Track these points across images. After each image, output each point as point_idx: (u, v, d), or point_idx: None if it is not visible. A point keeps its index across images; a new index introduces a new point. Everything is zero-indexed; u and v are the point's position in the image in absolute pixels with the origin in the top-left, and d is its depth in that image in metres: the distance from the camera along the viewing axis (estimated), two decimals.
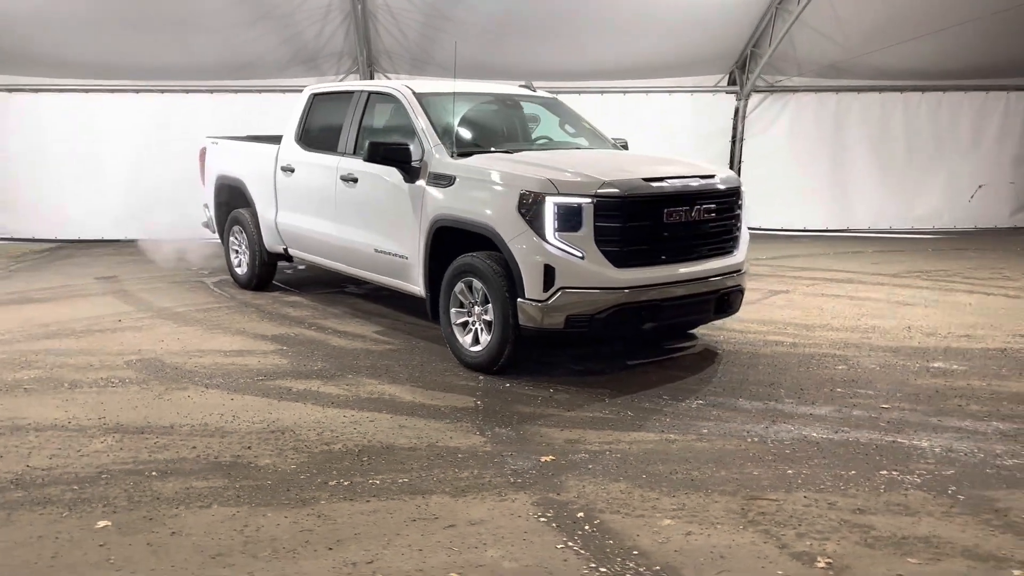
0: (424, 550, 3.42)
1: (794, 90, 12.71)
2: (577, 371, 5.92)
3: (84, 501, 3.85)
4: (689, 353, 6.37)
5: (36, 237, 12.22)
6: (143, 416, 4.97)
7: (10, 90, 11.86)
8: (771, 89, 12.67)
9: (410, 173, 6.20)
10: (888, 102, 12.87)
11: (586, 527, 3.62)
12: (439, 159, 6.06)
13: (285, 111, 8.29)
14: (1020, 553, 3.39)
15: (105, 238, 11.95)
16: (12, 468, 4.19)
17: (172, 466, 4.26)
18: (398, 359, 6.16)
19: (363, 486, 4.03)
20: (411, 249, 6.26)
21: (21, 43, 11.19)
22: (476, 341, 5.83)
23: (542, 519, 3.69)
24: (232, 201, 8.66)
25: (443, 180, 5.95)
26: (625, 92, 12.46)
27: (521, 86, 7.51)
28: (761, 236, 12.54)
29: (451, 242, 5.93)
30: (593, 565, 3.30)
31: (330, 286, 8.64)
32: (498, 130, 6.95)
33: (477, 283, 5.70)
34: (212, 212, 9.06)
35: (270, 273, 8.51)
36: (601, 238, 5.33)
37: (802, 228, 13.01)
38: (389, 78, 12.23)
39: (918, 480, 4.09)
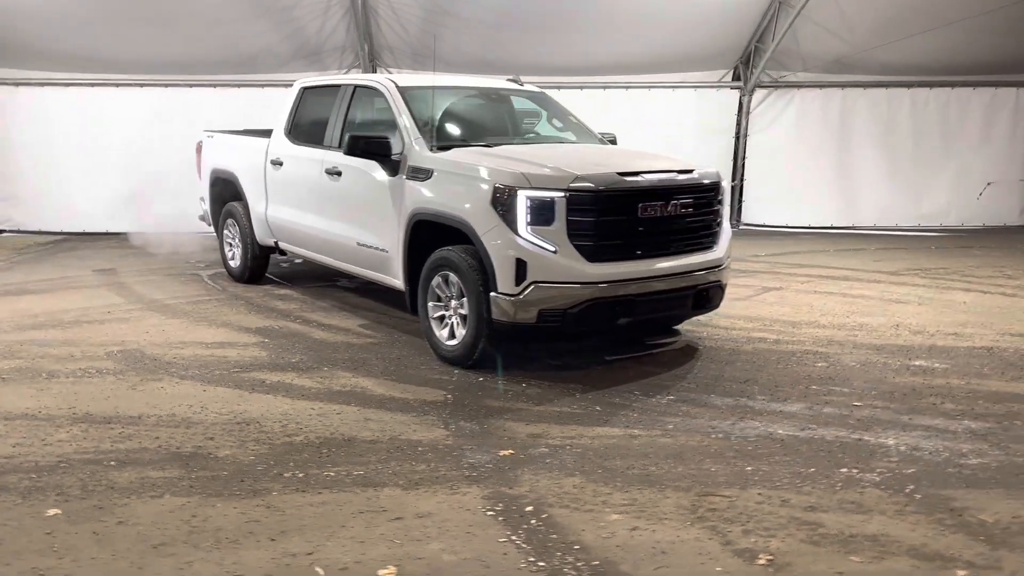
0: (366, 542, 3.42)
1: (799, 85, 12.59)
2: (554, 366, 5.91)
3: (39, 489, 3.88)
4: (670, 349, 6.34)
5: (42, 229, 12.32)
6: (113, 406, 5.01)
7: (16, 84, 11.97)
8: (775, 84, 12.56)
9: (390, 167, 6.20)
10: (895, 98, 12.72)
11: (532, 521, 3.61)
12: (418, 153, 6.06)
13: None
14: (968, 553, 3.34)
15: (110, 231, 12.02)
16: None
17: (132, 456, 4.29)
18: (377, 352, 6.17)
19: (317, 478, 4.03)
20: (391, 243, 6.26)
21: (27, 37, 11.30)
22: (452, 335, 5.83)
23: (490, 513, 3.68)
24: (226, 194, 8.71)
25: (421, 174, 5.95)
26: (628, 88, 12.40)
27: (509, 80, 7.48)
28: (764, 233, 12.49)
29: (429, 236, 5.93)
30: (532, 559, 3.29)
31: (322, 280, 8.66)
32: (482, 124, 6.94)
33: (453, 277, 5.70)
34: (207, 205, 9.11)
35: (262, 266, 8.55)
36: (574, 232, 5.30)
37: (807, 225, 12.88)
38: (391, 72, 12.23)
39: (877, 478, 4.04)
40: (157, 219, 11.17)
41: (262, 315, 7.30)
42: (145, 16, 11.03)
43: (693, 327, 6.87)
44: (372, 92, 6.80)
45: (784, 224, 12.92)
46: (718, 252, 5.96)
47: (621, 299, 5.44)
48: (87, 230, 12.16)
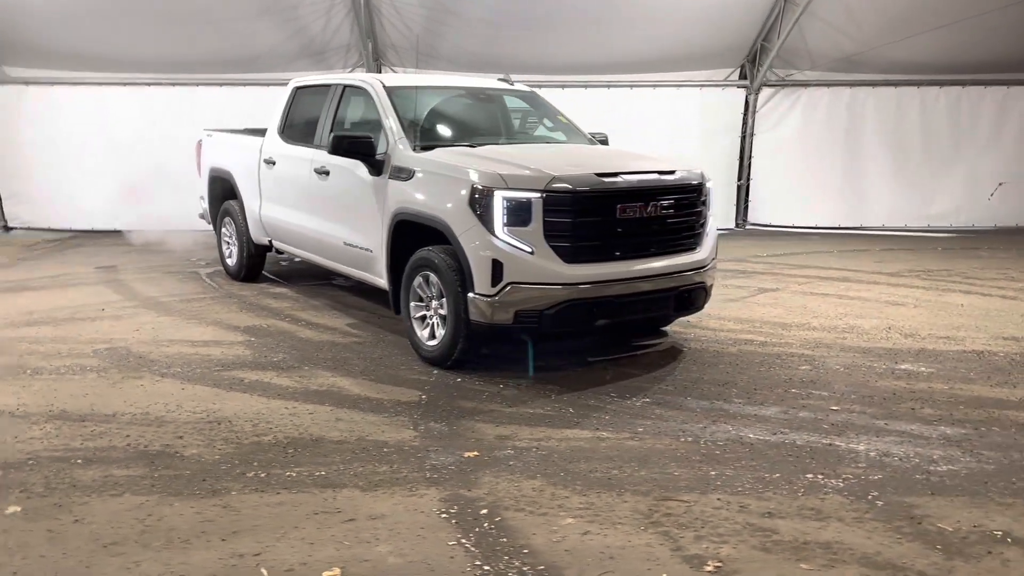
0: (315, 544, 3.43)
1: (806, 84, 12.48)
2: (536, 367, 5.88)
3: (3, 487, 3.92)
4: (654, 351, 6.30)
5: (51, 227, 12.46)
6: (89, 404, 5.05)
7: (26, 83, 12.12)
8: (782, 83, 12.45)
9: (374, 166, 6.21)
10: (904, 96, 12.57)
11: (485, 524, 3.60)
12: (401, 152, 6.06)
13: None
14: (921, 563, 3.29)
15: (117, 229, 12.11)
16: None
17: (99, 454, 4.32)
18: (360, 352, 6.18)
19: (279, 478, 4.05)
20: (375, 242, 6.27)
21: (36, 37, 11.44)
22: (433, 335, 5.83)
23: (444, 515, 3.68)
24: (223, 193, 8.77)
25: (404, 173, 5.95)
26: (632, 86, 12.34)
27: (499, 79, 7.46)
28: (769, 233, 12.41)
29: (411, 236, 5.93)
30: (478, 563, 3.28)
31: (318, 279, 8.69)
32: (469, 124, 6.93)
33: (434, 277, 5.70)
34: (207, 203, 9.17)
35: (258, 264, 8.60)
36: (551, 233, 5.28)
37: (813, 225, 12.76)
38: (396, 72, 12.26)
39: (841, 484, 4.00)
40: (162, 217, 11.26)
41: (253, 313, 7.34)
42: (152, 15, 11.13)
43: (681, 328, 6.82)
44: (360, 92, 6.81)
45: (791, 224, 12.82)
46: (701, 253, 5.91)
47: (599, 300, 5.41)
48: (95, 228, 12.26)
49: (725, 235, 12.02)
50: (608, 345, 6.39)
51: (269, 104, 11.26)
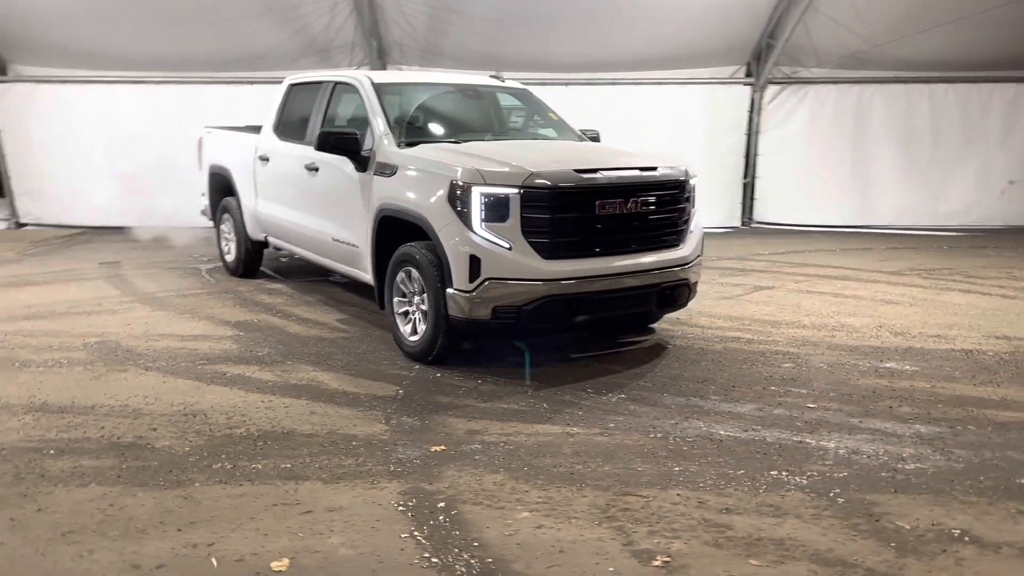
0: (269, 535, 3.46)
1: (812, 81, 12.39)
2: (516, 363, 5.90)
3: None
4: (639, 348, 6.29)
5: (61, 223, 12.61)
6: (71, 396, 5.11)
7: (38, 81, 12.29)
8: (788, 81, 12.38)
9: (360, 163, 6.24)
10: (913, 94, 12.45)
11: (441, 517, 3.61)
12: (386, 149, 6.10)
13: None
14: (872, 560, 3.27)
15: (126, 225, 12.23)
16: None
17: (72, 445, 4.38)
18: (345, 347, 6.22)
19: (244, 470, 4.08)
20: (361, 238, 6.31)
21: (47, 36, 11.60)
22: (415, 331, 5.85)
23: (401, 508, 3.70)
24: (222, 190, 8.84)
25: (387, 169, 5.98)
26: (637, 84, 12.31)
27: (491, 76, 7.47)
28: (775, 231, 12.33)
29: (395, 231, 5.96)
30: (427, 555, 3.30)
31: (315, 275, 8.73)
32: (457, 121, 6.94)
33: (415, 273, 5.73)
34: (207, 200, 9.25)
35: (256, 261, 8.66)
36: (529, 229, 5.29)
37: (820, 224, 12.66)
38: (401, 70, 12.30)
39: (804, 482, 3.98)
40: (168, 214, 11.39)
41: (246, 309, 7.40)
42: (157, 14, 11.25)
43: (670, 325, 6.81)
44: (350, 89, 6.85)
45: (797, 222, 12.73)
46: (685, 250, 5.89)
47: (578, 296, 5.41)
48: (104, 224, 12.39)
49: (729, 233, 12.03)
50: (593, 341, 6.39)
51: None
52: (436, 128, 6.67)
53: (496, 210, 5.27)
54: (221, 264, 9.13)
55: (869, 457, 4.26)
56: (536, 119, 7.22)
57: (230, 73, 12.24)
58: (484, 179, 5.28)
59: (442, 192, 5.41)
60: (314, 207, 6.98)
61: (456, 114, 7.03)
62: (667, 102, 12.32)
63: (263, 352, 6.07)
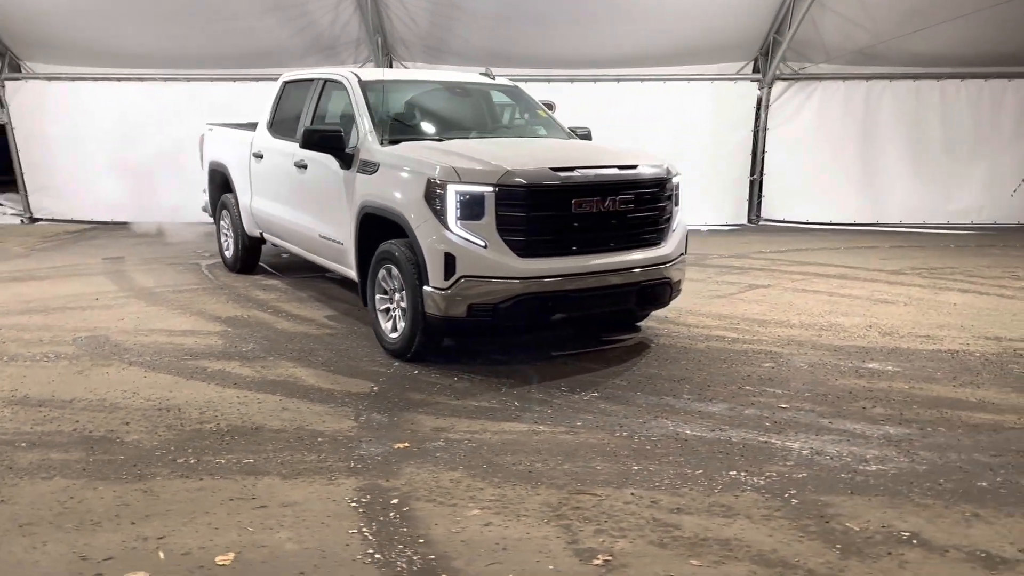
0: (220, 529, 3.51)
1: (820, 78, 12.29)
2: (497, 360, 5.91)
3: None
4: (621, 346, 6.28)
5: (73, 218, 12.81)
6: (51, 390, 5.20)
7: (49, 78, 12.47)
8: (796, 77, 12.28)
9: (344, 160, 6.28)
10: (923, 90, 12.31)
11: (391, 514, 3.64)
12: (369, 146, 6.13)
13: None
14: (813, 561, 3.26)
15: (135, 221, 12.38)
16: None
17: (44, 438, 4.45)
18: (328, 343, 6.26)
19: (207, 465, 4.14)
20: (345, 235, 6.35)
21: (58, 34, 11.79)
22: (395, 328, 5.88)
23: (354, 504, 3.73)
24: (222, 186, 8.93)
25: (370, 167, 6.02)
26: (642, 80, 12.26)
27: (481, 73, 7.49)
28: (782, 229, 12.26)
29: (377, 229, 5.99)
30: (371, 551, 3.33)
31: (312, 271, 8.78)
32: (443, 118, 6.96)
33: (395, 270, 5.75)
34: (207, 197, 9.35)
35: (253, 257, 8.73)
36: (504, 227, 5.30)
37: (828, 221, 12.55)
38: (406, 66, 12.35)
39: (761, 482, 3.96)
40: (175, 210, 11.53)
41: (238, 304, 7.47)
42: (166, 12, 11.38)
43: (657, 324, 6.80)
44: (338, 86, 6.89)
45: (805, 220, 12.62)
46: (666, 249, 5.88)
47: (554, 294, 5.42)
48: (113, 220, 12.56)
49: (736, 231, 11.97)
50: (576, 339, 6.39)
51: None
52: (421, 126, 6.70)
53: (471, 208, 5.28)
54: (221, 260, 9.21)
55: (832, 458, 4.24)
56: (526, 117, 7.22)
57: (237, 70, 12.35)
58: (459, 177, 5.30)
59: (419, 190, 5.44)
60: (303, 204, 7.04)
61: (443, 112, 7.05)
62: (673, 99, 12.28)
63: (247, 348, 6.13)
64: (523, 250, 5.32)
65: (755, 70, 12.39)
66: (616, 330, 6.61)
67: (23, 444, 4.38)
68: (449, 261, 5.28)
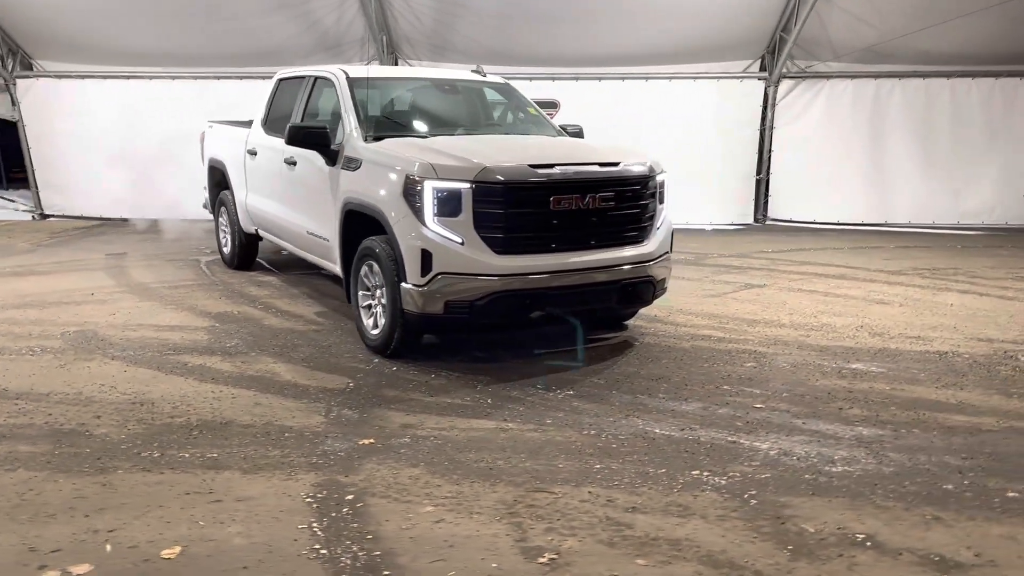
0: (172, 522, 3.51)
1: (828, 76, 12.16)
2: (478, 357, 5.90)
3: None
4: (605, 344, 6.25)
5: (82, 215, 12.93)
6: (31, 383, 5.24)
7: (59, 76, 12.60)
8: (803, 75, 12.16)
9: (330, 156, 6.29)
10: (933, 88, 12.14)
11: (344, 510, 3.63)
12: (353, 143, 6.13)
13: None
14: (762, 563, 3.22)
15: (142, 217, 12.49)
16: None
17: (15, 431, 4.49)
18: (312, 339, 6.28)
19: (171, 459, 4.15)
20: (331, 231, 6.36)
21: (67, 32, 11.91)
22: (376, 324, 5.88)
23: (309, 499, 3.73)
24: (220, 183, 8.97)
25: (353, 164, 6.02)
26: (647, 78, 12.19)
27: (472, 71, 7.47)
28: (787, 229, 12.17)
29: (360, 225, 5.99)
30: (318, 547, 3.33)
31: (307, 268, 8.75)
32: (429, 115, 6.96)
33: (376, 266, 5.75)
34: (207, 193, 9.41)
35: (250, 253, 8.77)
36: (481, 224, 5.28)
37: (836, 221, 12.42)
38: (411, 64, 12.36)
39: (723, 482, 3.92)
40: (181, 206, 11.61)
41: (230, 300, 7.51)
42: (173, 10, 11.46)
43: (645, 322, 6.76)
44: (328, 83, 6.90)
45: (812, 220, 12.50)
46: (649, 246, 5.83)
47: (532, 292, 5.38)
48: (122, 216, 12.66)
49: (741, 230, 11.88)
50: (561, 337, 6.34)
51: None
52: (407, 123, 6.70)
53: (448, 204, 5.27)
54: (220, 257, 9.26)
55: (798, 459, 4.18)
56: (516, 114, 7.19)
57: (245, 68, 12.41)
58: (437, 173, 5.28)
59: (398, 186, 5.43)
60: (293, 200, 7.06)
61: (430, 109, 7.05)
62: (678, 97, 12.20)
63: (231, 343, 6.15)
64: (501, 247, 5.30)
65: (762, 68, 12.28)
66: (602, 328, 6.56)
67: None
68: (426, 258, 5.27)
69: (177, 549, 3.30)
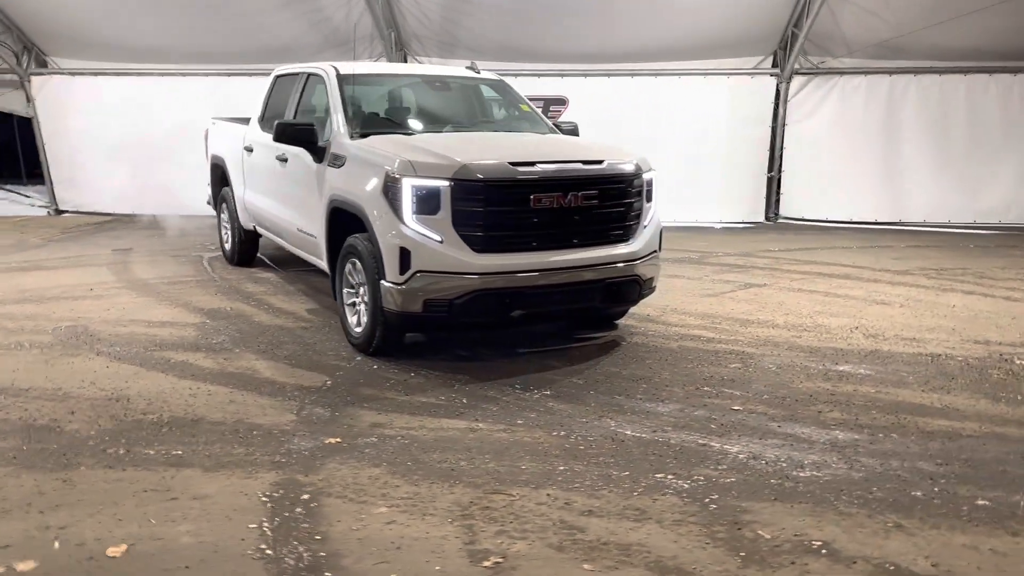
0: (124, 520, 3.51)
1: (841, 72, 11.98)
2: (462, 356, 5.87)
3: None
4: (591, 344, 6.19)
5: (96, 211, 13.06)
6: (12, 379, 5.28)
7: (73, 73, 12.74)
8: (816, 71, 11.99)
9: (317, 153, 6.28)
10: (949, 84, 11.92)
11: (298, 510, 3.62)
12: (339, 140, 6.12)
13: None
14: (712, 569, 3.16)
15: (152, 214, 12.59)
16: None
17: None
18: (299, 337, 6.28)
19: (135, 456, 4.16)
20: (318, 229, 6.36)
21: (82, 30, 12.05)
22: (360, 322, 5.87)
23: (264, 498, 3.72)
24: (221, 179, 9.01)
25: (338, 161, 6.01)
26: (656, 75, 12.08)
27: (467, 68, 7.43)
28: (798, 227, 12.05)
29: (345, 222, 5.98)
30: (264, 547, 3.31)
31: (307, 265, 8.75)
32: (418, 112, 6.93)
33: (359, 264, 5.73)
34: (210, 190, 9.46)
35: (250, 250, 8.80)
36: (460, 222, 5.25)
37: (848, 220, 12.23)
38: (420, 62, 12.35)
39: (686, 486, 3.85)
40: (191, 203, 11.67)
41: (225, 297, 7.53)
42: (185, 8, 11.52)
43: (636, 322, 6.69)
44: (318, 80, 6.89)
45: (825, 219, 12.32)
46: (635, 245, 5.76)
47: (512, 291, 5.34)
48: (134, 212, 12.78)
49: (750, 229, 11.75)
50: (547, 336, 6.30)
51: None
52: (395, 120, 6.68)
53: (427, 202, 5.24)
54: (222, 253, 9.31)
55: (767, 463, 4.10)
56: (510, 111, 7.14)
57: (255, 65, 12.43)
58: (416, 170, 5.25)
59: (377, 183, 5.41)
60: (284, 197, 7.08)
61: (419, 106, 7.02)
62: (688, 94, 12.09)
63: (217, 340, 6.17)
64: (480, 245, 5.26)
65: (774, 64, 12.12)
66: (591, 327, 6.50)
67: None
68: (404, 255, 5.24)
69: (123, 547, 3.29)
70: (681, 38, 11.70)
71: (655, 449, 4.27)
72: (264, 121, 7.79)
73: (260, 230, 8.10)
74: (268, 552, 3.27)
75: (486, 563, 3.20)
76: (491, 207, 5.26)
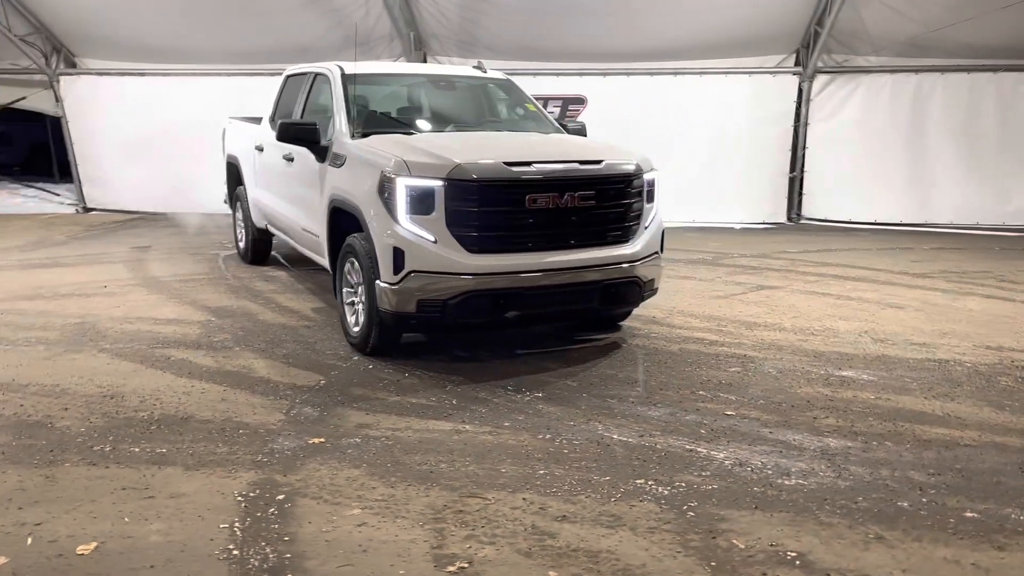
0: (98, 518, 3.53)
1: (866, 71, 11.77)
2: (459, 356, 5.84)
3: None
4: (591, 346, 6.13)
5: (123, 209, 13.24)
6: (14, 374, 5.35)
7: (99, 73, 12.93)
8: (839, 70, 11.79)
9: (319, 153, 6.29)
10: (978, 83, 11.66)
11: (271, 510, 3.61)
12: (341, 139, 6.12)
13: None
14: None
15: (176, 211, 12.73)
16: None
17: None
18: (300, 336, 6.29)
19: (120, 453, 4.19)
20: (320, 228, 6.37)
21: (108, 31, 12.22)
22: (357, 322, 5.87)
23: (239, 498, 3.72)
24: (236, 178, 9.08)
25: (339, 160, 6.02)
26: (676, 74, 11.97)
27: (474, 67, 7.40)
28: (820, 228, 11.89)
29: (345, 222, 5.98)
30: (231, 547, 3.31)
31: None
32: (421, 112, 6.91)
33: (357, 264, 5.73)
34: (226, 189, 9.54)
35: (262, 248, 8.85)
36: (454, 222, 5.22)
37: (873, 221, 12.02)
38: (440, 61, 12.34)
39: (665, 493, 3.79)
40: (213, 202, 11.79)
41: (234, 295, 7.58)
42: (209, 9, 11.64)
43: (641, 324, 6.62)
44: (324, 80, 6.91)
45: (848, 220, 12.12)
46: (635, 246, 5.69)
47: (507, 292, 5.30)
48: (158, 210, 12.93)
49: (771, 229, 11.60)
50: (547, 338, 6.25)
51: None
52: (397, 119, 6.66)
53: (421, 202, 5.21)
54: (236, 251, 9.38)
55: (753, 470, 4.02)
56: (515, 110, 7.10)
57: (278, 65, 12.44)
58: (410, 170, 5.23)
59: (373, 183, 5.40)
60: (290, 196, 7.10)
61: (423, 106, 7.00)
62: (709, 93, 11.96)
63: (219, 338, 6.20)
64: (474, 246, 5.23)
65: (797, 63, 11.94)
66: (593, 329, 6.44)
67: None
68: (398, 255, 5.23)
69: (93, 545, 3.31)
70: (701, 36, 11.56)
71: (640, 454, 4.21)
72: (274, 121, 7.81)
73: (271, 229, 8.14)
74: (235, 553, 3.26)
75: (451, 568, 3.17)
76: (485, 207, 5.22)
